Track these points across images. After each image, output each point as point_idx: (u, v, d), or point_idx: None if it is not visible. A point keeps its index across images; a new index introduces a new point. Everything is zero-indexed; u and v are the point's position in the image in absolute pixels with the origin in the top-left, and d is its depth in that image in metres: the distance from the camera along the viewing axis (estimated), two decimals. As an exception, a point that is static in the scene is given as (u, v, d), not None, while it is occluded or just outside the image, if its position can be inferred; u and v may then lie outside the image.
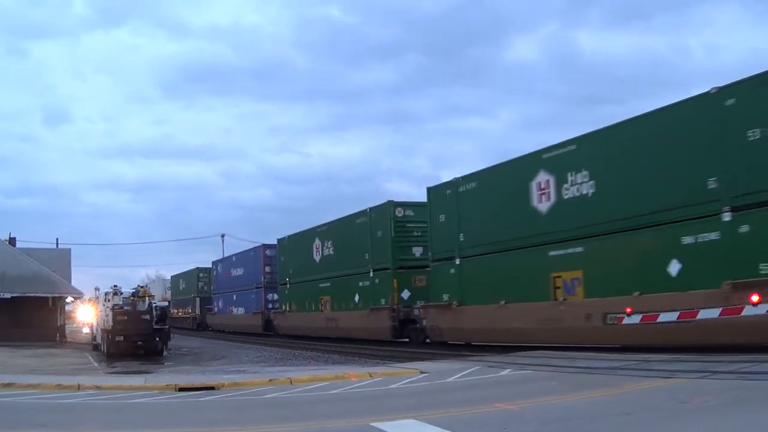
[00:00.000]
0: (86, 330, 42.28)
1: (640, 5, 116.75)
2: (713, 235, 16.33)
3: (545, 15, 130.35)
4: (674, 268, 17.18)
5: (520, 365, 16.68)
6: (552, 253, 20.75)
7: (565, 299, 20.28)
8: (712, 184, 16.38)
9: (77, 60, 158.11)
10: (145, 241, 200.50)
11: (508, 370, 15.95)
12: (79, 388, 15.01)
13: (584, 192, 19.78)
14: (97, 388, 15.09)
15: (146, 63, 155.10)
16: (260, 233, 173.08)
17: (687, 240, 16.89)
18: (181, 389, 14.65)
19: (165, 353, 29.61)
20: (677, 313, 16.41)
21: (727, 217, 16.04)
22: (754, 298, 14.92)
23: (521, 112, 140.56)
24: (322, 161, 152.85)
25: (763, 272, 15.28)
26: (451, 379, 15.08)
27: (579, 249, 19.89)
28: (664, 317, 16.73)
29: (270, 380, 15.86)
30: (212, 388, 14.72)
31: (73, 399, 13.59)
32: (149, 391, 14.70)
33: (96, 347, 32.45)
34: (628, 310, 17.60)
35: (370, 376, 16.37)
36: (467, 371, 16.11)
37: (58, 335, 41.40)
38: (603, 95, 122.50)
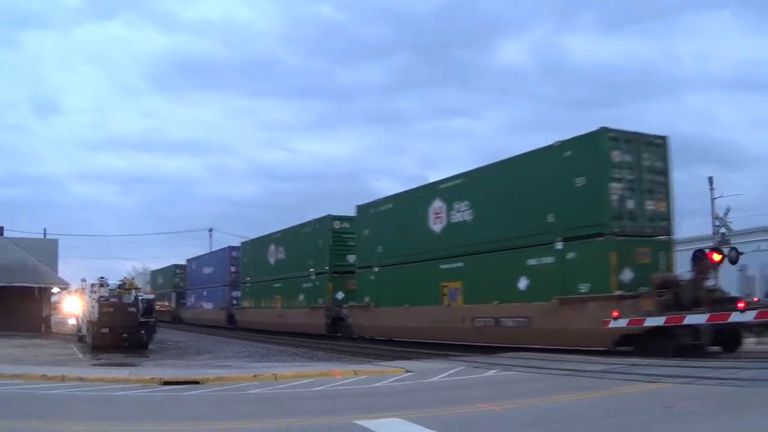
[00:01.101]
0: (72, 321, 41.12)
1: (631, 11, 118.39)
2: (549, 259, 20.03)
3: (535, 18, 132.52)
4: (523, 284, 20.86)
5: (505, 366, 16.63)
6: (442, 266, 24.38)
7: (449, 305, 23.90)
8: (550, 218, 20.06)
9: (68, 51, 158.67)
10: (131, 234, 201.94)
11: (494, 370, 15.81)
12: (63, 379, 14.79)
13: (466, 218, 23.49)
14: (82, 379, 14.84)
15: (136, 56, 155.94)
16: (248, 229, 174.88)
17: (532, 262, 20.58)
18: (166, 383, 14.38)
19: (150, 346, 28.98)
20: (665, 318, 16.81)
21: (559, 245, 19.72)
22: (741, 304, 16.13)
23: (509, 114, 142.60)
24: (310, 158, 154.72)
25: (581, 291, 18.93)
26: (435, 378, 14.88)
27: (460, 264, 23.56)
28: (651, 321, 17.09)
29: (254, 376, 15.63)
30: (197, 382, 14.55)
31: (58, 390, 13.34)
32: (133, 384, 14.42)
33: (81, 339, 31.38)
34: (615, 314, 17.63)
35: (355, 373, 16.17)
36: (452, 371, 15.97)
37: (43, 326, 40.11)
38: (591, 99, 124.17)
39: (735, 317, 15.85)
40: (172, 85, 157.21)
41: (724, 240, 37.13)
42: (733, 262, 19.01)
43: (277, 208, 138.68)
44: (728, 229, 42.28)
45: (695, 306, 17.07)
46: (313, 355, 26.96)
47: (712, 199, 43.34)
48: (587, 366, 15.22)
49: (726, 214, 42.96)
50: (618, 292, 18.13)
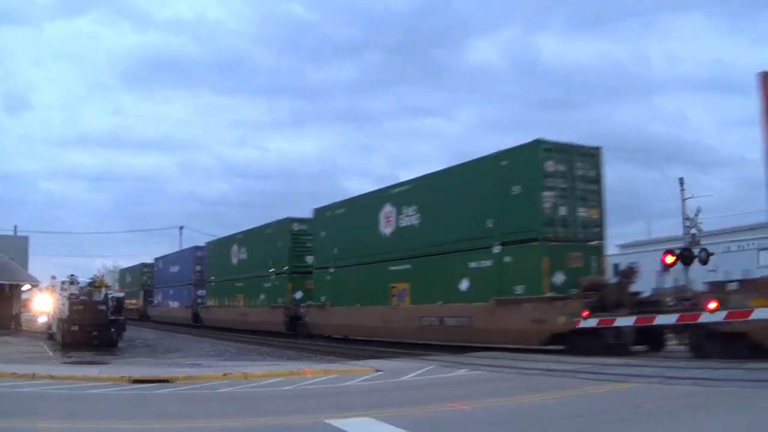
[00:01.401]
0: (42, 319, 39.90)
1: (603, 12, 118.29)
2: (488, 263, 20.89)
3: (507, 18, 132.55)
4: (464, 285, 21.69)
5: (474, 365, 16.58)
6: (392, 268, 25.20)
7: (398, 305, 24.69)
8: (489, 224, 20.91)
9: (39, 47, 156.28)
10: (102, 231, 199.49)
11: (463, 370, 15.81)
12: (34, 377, 14.69)
13: (413, 222, 24.32)
14: (52, 377, 14.79)
15: (107, 52, 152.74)
16: (219, 227, 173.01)
17: (473, 265, 21.43)
18: (136, 381, 14.30)
19: (119, 344, 28.67)
20: (635, 318, 17.11)
21: (497, 249, 20.59)
22: (711, 305, 15.68)
23: (481, 114, 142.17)
24: (280, 157, 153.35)
25: (516, 292, 19.81)
26: (406, 377, 14.79)
27: (408, 266, 24.41)
28: (621, 321, 17.32)
29: (225, 374, 15.46)
30: (166, 380, 14.47)
31: (29, 388, 13.28)
32: (104, 382, 14.30)
33: (51, 336, 30.99)
34: (585, 313, 17.84)
35: (325, 372, 16.14)
36: (422, 370, 15.96)
37: (13, 323, 39.20)
38: (563, 100, 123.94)
39: (704, 318, 15.71)
40: (143, 82, 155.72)
41: (694, 241, 37.95)
42: (704, 262, 19.35)
43: (248, 207, 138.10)
44: (699, 230, 42.85)
45: (617, 308, 17.99)
46: (282, 354, 26.92)
47: (683, 200, 43.94)
48: (556, 365, 15.27)
49: (696, 215, 43.41)
50: (550, 294, 19.03)
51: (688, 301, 17.06)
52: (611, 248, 37.41)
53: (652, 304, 18.30)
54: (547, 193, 19.60)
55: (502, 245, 20.45)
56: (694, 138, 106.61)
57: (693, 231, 42.21)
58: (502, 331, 20.07)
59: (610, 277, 20.12)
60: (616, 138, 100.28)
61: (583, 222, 20.21)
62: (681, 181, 44.43)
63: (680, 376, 12.39)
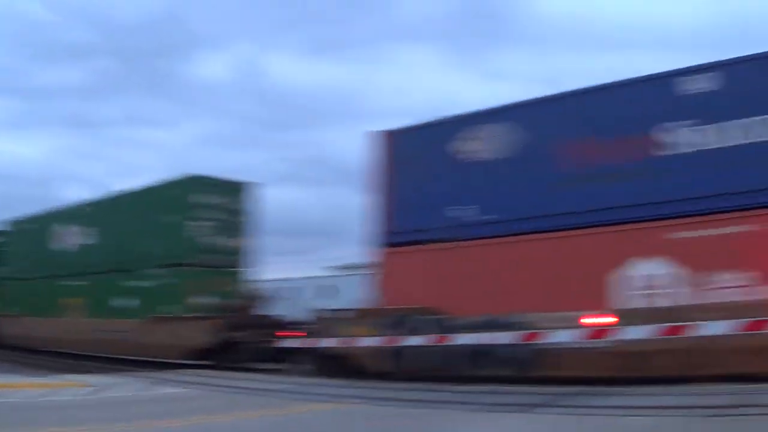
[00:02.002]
0: None
1: (337, 38, 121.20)
2: (146, 283, 22.77)
3: (241, 36, 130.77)
4: (128, 302, 23.36)
5: (184, 383, 16.31)
6: (73, 283, 26.22)
7: (75, 318, 25.72)
8: (150, 248, 22.75)
9: None
10: None
11: (173, 386, 15.50)
12: None
13: (93, 242, 25.62)
14: None
15: None
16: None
17: (135, 284, 23.17)
18: None
19: None
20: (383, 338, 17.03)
21: (154, 271, 22.51)
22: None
23: (205, 128, 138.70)
24: None
25: (167, 311, 21.79)
26: (116, 393, 14.25)
27: (85, 282, 25.51)
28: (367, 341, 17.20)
29: None
30: None
31: None
32: None
33: None
34: (294, 334, 18.95)
35: (33, 386, 15.29)
36: (132, 386, 15.52)
37: None
38: (291, 121, 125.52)
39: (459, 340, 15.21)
40: None
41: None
42: None
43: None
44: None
45: (244, 328, 20.50)
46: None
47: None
48: (265, 384, 15.58)
49: None
50: (192, 314, 21.27)
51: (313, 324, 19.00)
52: (318, 270, 40.53)
53: (274, 326, 21.08)
54: (192, 223, 21.76)
55: (157, 268, 22.35)
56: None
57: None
58: (155, 346, 21.98)
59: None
60: (339, 161, 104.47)
61: (227, 250, 22.47)
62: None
63: (389, 397, 12.51)
